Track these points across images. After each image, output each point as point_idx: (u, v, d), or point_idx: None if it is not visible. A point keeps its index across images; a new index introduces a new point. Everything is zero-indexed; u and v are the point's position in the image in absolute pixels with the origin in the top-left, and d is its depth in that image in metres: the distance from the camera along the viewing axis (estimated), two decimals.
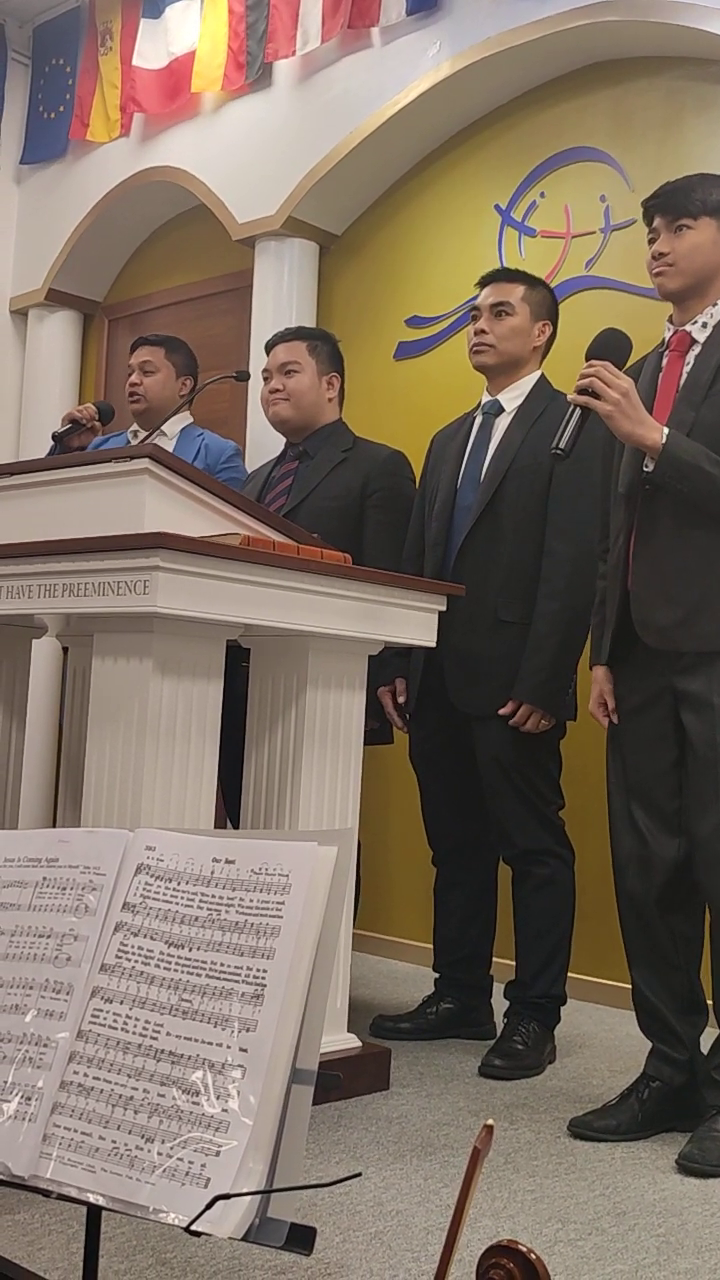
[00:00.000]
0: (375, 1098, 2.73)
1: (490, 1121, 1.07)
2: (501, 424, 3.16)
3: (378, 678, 3.21)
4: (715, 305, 2.59)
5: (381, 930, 4.28)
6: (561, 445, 2.48)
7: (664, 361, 2.63)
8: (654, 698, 2.57)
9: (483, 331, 3.16)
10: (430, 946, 3.41)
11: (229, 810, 3.32)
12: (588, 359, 2.52)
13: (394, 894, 4.24)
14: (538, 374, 3.19)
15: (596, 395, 2.46)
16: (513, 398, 3.17)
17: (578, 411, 2.49)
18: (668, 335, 2.65)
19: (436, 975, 3.36)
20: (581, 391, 2.48)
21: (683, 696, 2.52)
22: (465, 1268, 1.76)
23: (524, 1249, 1.08)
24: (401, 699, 3.30)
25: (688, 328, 2.60)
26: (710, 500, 2.45)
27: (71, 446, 3.80)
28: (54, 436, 3.83)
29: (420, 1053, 3.11)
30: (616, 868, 2.66)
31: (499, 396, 3.19)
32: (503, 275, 3.24)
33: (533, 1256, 1.08)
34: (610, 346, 2.55)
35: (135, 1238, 1.93)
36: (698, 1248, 2.03)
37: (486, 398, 3.23)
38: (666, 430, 2.45)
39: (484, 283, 3.23)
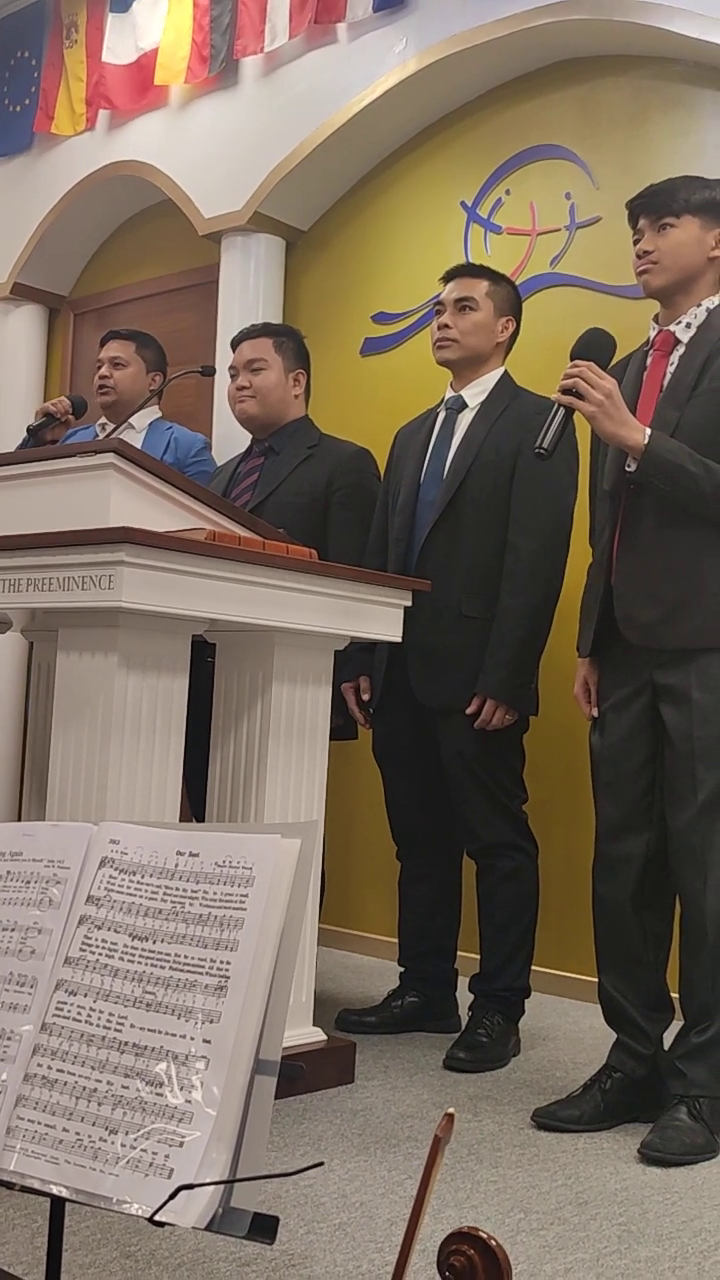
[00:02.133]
0: (340, 1091, 2.74)
1: (451, 1110, 1.08)
2: (465, 420, 3.17)
3: (342, 673, 3.22)
4: (699, 306, 2.61)
5: (347, 925, 4.29)
6: (545, 445, 2.49)
7: (648, 361, 2.65)
8: (635, 693, 2.60)
9: (446, 326, 3.17)
10: (395, 941, 3.42)
11: (194, 806, 3.32)
12: (572, 359, 2.53)
13: (359, 889, 4.25)
14: (501, 370, 3.21)
15: (580, 395, 2.47)
16: (476, 393, 3.18)
17: (561, 411, 2.50)
18: (652, 335, 2.67)
19: (401, 969, 3.37)
20: (565, 391, 2.49)
21: (662, 690, 2.55)
22: (428, 1258, 1.78)
23: (484, 1235, 1.09)
24: (365, 696, 3.31)
25: (672, 328, 2.62)
26: (693, 500, 2.48)
27: (45, 440, 3.82)
28: (29, 430, 3.84)
29: (385, 1046, 3.12)
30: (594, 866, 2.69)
31: (462, 392, 3.20)
32: (467, 270, 3.25)
33: (493, 1243, 1.09)
34: (594, 346, 2.57)
35: (99, 1231, 1.93)
36: (658, 1236, 2.05)
37: (450, 393, 3.24)
38: (649, 431, 2.47)
39: (448, 277, 3.25)
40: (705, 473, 2.45)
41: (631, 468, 2.51)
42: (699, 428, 2.51)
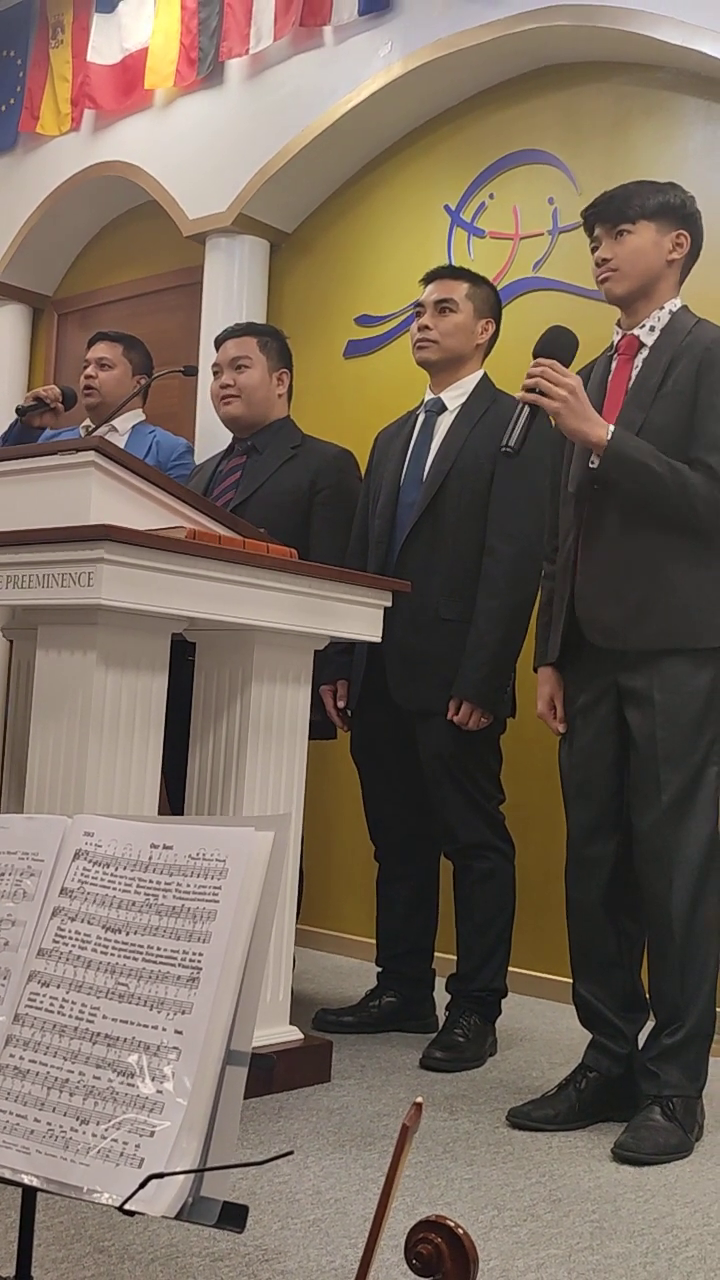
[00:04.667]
0: (316, 1089, 2.74)
1: (419, 1099, 1.09)
2: (444, 422, 3.18)
3: (321, 675, 3.22)
4: (661, 309, 2.63)
5: (325, 925, 4.29)
6: (511, 443, 2.50)
7: (613, 365, 2.66)
8: (600, 695, 2.61)
9: (426, 327, 3.18)
10: (373, 941, 3.43)
11: (174, 804, 3.33)
12: (535, 357, 2.55)
13: (337, 889, 4.26)
14: (480, 373, 3.22)
15: (544, 393, 2.49)
16: (455, 396, 3.19)
17: (526, 409, 2.51)
18: (616, 339, 2.68)
19: (379, 969, 3.37)
20: (529, 389, 2.51)
21: (627, 693, 2.56)
22: (398, 1254, 1.78)
23: (451, 1224, 1.10)
24: (341, 703, 3.32)
25: (635, 331, 2.63)
26: (656, 499, 2.49)
27: (33, 424, 3.82)
28: (18, 410, 3.85)
29: (362, 1045, 3.13)
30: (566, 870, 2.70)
31: (442, 395, 3.21)
32: (447, 272, 3.27)
33: (460, 1231, 1.10)
34: (557, 344, 2.58)
35: (73, 1226, 1.93)
36: (630, 1233, 2.06)
37: (429, 395, 3.25)
38: (612, 427, 2.48)
39: (428, 279, 3.26)
40: (669, 472, 2.46)
41: (595, 464, 2.53)
42: (664, 429, 2.52)
